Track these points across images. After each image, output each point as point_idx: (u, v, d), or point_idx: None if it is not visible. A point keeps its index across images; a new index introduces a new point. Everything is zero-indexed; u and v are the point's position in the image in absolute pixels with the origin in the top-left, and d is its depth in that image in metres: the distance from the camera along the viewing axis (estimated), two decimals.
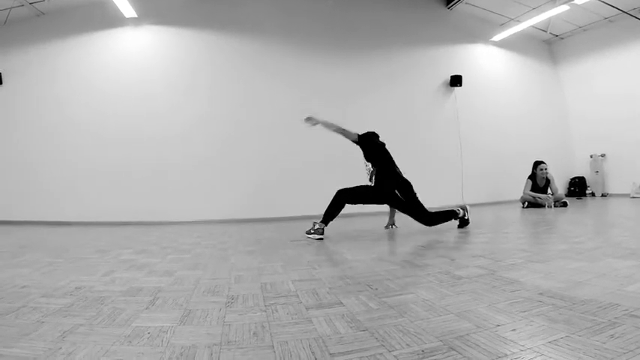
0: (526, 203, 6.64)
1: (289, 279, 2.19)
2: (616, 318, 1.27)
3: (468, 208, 4.42)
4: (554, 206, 6.35)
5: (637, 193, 7.70)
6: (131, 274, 2.39)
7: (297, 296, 1.83)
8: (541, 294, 1.61)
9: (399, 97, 7.53)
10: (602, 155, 8.55)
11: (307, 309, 1.62)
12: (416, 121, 7.58)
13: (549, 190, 6.63)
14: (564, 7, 7.08)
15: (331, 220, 3.92)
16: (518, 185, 6.87)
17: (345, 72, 7.18)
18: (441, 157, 7.68)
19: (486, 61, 8.58)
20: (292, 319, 1.50)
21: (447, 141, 7.85)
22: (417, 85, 7.76)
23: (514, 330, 1.23)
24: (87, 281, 2.21)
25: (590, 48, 8.70)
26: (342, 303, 1.68)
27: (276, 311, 1.60)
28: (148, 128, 6.27)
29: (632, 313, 1.30)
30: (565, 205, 6.39)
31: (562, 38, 9.21)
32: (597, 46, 8.54)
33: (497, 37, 8.51)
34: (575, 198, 8.48)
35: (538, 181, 6.63)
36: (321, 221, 3.85)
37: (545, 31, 8.88)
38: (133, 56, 6.39)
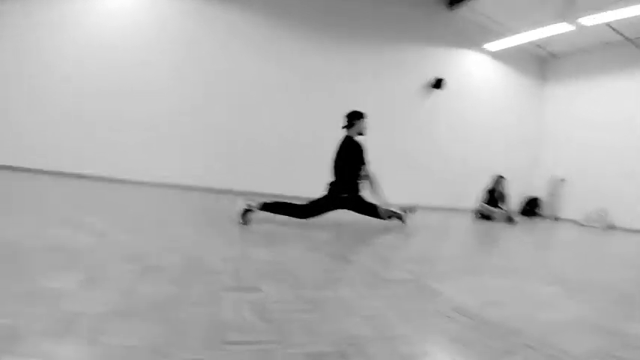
0: (479, 214, 6.79)
1: (221, 256, 2.15)
2: (513, 346, 1.29)
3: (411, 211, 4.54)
4: (505, 222, 6.52)
5: (587, 222, 7.99)
6: (63, 232, 2.30)
7: (219, 274, 1.80)
8: (454, 309, 1.64)
9: (381, 90, 7.49)
10: (562, 180, 8.80)
11: (223, 290, 1.59)
12: (393, 117, 7.58)
13: (502, 206, 6.80)
14: (570, 27, 6.97)
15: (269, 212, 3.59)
16: (477, 196, 7.01)
17: (332, 57, 7.06)
18: (409, 155, 7.73)
19: (474, 69, 8.59)
20: (202, 298, 1.47)
21: (418, 141, 7.90)
22: (401, 82, 7.72)
23: (410, 344, 1.24)
24: (14, 235, 2.11)
25: (582, 70, 8.79)
26: (260, 289, 1.66)
27: (190, 288, 1.56)
28: (127, 81, 5.88)
29: (529, 344, 1.32)
30: (513, 221, 6.55)
31: (558, 57, 9.29)
32: (589, 70, 8.63)
33: (491, 47, 8.47)
34: (526, 217, 8.74)
35: (495, 194, 6.79)
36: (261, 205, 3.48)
37: (543, 48, 8.92)
38: (113, 13, 5.95)
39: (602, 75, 8.40)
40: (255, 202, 3.41)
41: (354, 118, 4.01)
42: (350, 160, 3.83)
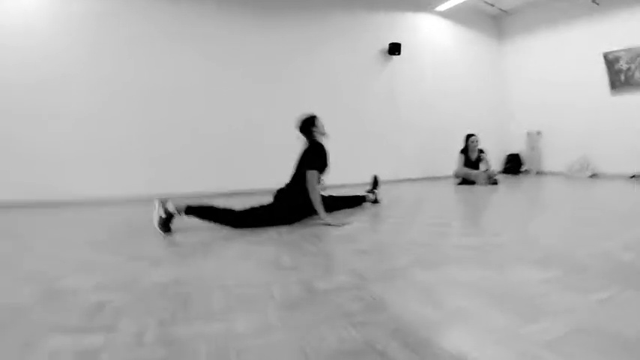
0: (459, 179, 6.32)
1: (97, 283, 1.64)
2: None
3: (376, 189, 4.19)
4: (487, 183, 6.06)
5: (570, 172, 7.60)
6: None
7: (70, 311, 1.30)
8: (392, 333, 1.13)
9: (333, 62, 6.85)
10: (538, 132, 8.38)
11: (53, 332, 1.14)
12: (350, 89, 6.99)
13: (482, 166, 6.33)
14: None
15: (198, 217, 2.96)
16: (455, 161, 6.53)
17: (275, 34, 6.38)
18: (375, 128, 7.20)
19: (428, 31, 8.02)
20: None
21: (382, 112, 7.34)
22: (354, 51, 7.11)
23: None
24: None
25: (536, 25, 8.32)
26: (116, 327, 1.17)
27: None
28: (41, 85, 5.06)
29: None
30: (496, 183, 6.11)
31: (510, 14, 8.80)
32: (543, 23, 8.17)
33: (442, 7, 7.95)
34: (509, 175, 8.34)
35: (470, 154, 6.31)
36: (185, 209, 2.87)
37: (493, 6, 8.40)
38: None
39: (557, 28, 7.98)
40: (175, 206, 2.80)
41: (308, 125, 3.33)
42: (313, 165, 3.16)
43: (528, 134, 8.52)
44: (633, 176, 6.60)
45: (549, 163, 8.30)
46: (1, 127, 4.86)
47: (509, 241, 2.31)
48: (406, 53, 7.46)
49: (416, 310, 1.31)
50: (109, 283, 1.67)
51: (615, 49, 7.04)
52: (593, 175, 7.32)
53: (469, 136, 6.41)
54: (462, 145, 6.49)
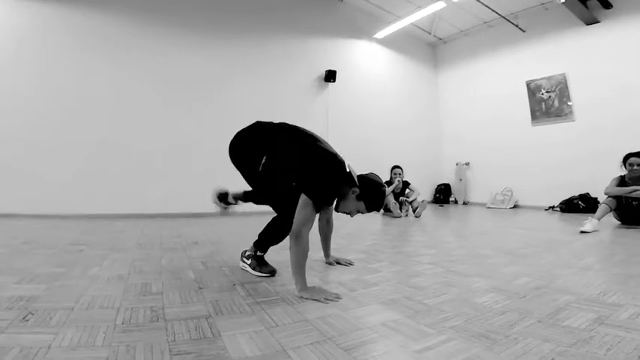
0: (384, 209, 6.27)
1: None
2: None
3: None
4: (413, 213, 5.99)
5: (493, 203, 7.89)
6: None
7: None
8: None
9: (268, 87, 6.76)
10: (467, 164, 8.69)
11: None
12: (286, 114, 6.86)
13: (411, 196, 6.22)
14: (441, 4, 6.79)
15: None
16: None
17: (213, 55, 6.30)
18: None
19: (366, 58, 8.18)
20: None
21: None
22: (291, 76, 7.06)
23: None
24: None
25: (466, 53, 8.73)
26: None
27: None
28: None
29: None
30: (415, 213, 6.02)
31: (445, 42, 9.18)
32: (477, 51, 8.54)
33: (380, 34, 8.17)
34: (438, 204, 8.55)
35: (390, 185, 6.24)
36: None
37: (430, 33, 8.76)
38: None
39: (489, 55, 8.34)
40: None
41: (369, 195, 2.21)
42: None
43: (457, 165, 8.82)
44: (549, 208, 6.93)
45: (476, 194, 8.59)
46: None
47: (381, 279, 2.23)
48: (341, 80, 7.52)
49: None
50: None
51: (537, 77, 7.24)
52: (515, 207, 7.62)
53: (393, 167, 6.36)
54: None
